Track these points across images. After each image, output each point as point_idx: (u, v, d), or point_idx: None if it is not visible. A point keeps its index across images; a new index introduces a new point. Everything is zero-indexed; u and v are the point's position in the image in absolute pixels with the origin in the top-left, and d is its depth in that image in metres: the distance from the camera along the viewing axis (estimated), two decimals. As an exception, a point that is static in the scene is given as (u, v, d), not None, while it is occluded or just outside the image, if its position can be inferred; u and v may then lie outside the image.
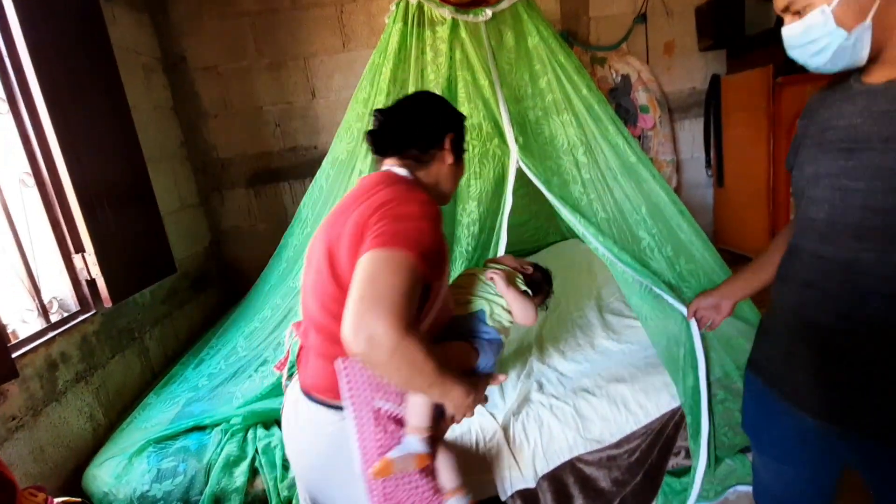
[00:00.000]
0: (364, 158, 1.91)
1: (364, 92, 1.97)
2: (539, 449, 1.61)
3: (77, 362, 1.75)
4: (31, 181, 1.73)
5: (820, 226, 0.93)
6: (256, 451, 1.58)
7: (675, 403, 1.67)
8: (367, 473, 0.99)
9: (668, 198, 1.79)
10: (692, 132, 3.38)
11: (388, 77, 1.89)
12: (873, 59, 0.87)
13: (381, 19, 1.90)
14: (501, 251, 1.82)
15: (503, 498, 1.61)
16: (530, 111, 1.93)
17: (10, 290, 1.65)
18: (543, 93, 1.89)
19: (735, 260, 2.81)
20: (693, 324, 1.58)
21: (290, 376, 1.86)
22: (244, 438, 1.61)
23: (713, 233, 3.41)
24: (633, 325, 2.13)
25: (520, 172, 1.81)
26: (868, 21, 0.82)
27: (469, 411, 1.01)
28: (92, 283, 1.83)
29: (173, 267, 2.29)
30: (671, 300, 1.61)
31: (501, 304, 1.18)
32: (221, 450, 1.56)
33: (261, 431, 1.64)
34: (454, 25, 1.87)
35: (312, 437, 1.07)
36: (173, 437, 1.62)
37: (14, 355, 1.48)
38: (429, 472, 1.06)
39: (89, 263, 1.80)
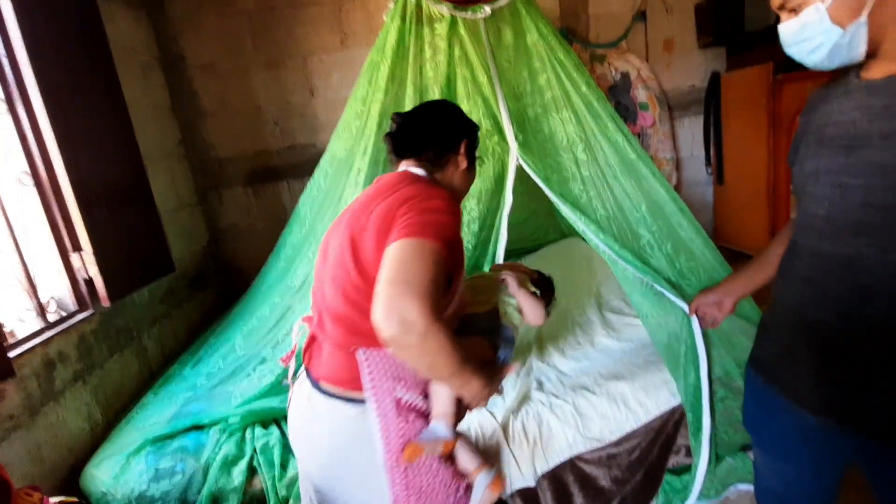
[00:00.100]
0: (362, 156, 1.90)
1: (362, 90, 1.96)
2: (539, 447, 1.61)
3: (75, 362, 1.74)
4: (29, 180, 1.72)
5: (820, 223, 0.93)
6: (255, 450, 1.57)
7: (675, 401, 1.66)
8: (390, 462, 1.01)
9: (667, 195, 1.79)
10: (692, 130, 3.37)
11: (386, 75, 1.88)
12: (872, 54, 0.87)
13: (380, 17, 1.89)
14: (501, 249, 1.82)
15: (503, 497, 1.61)
16: (529, 108, 1.92)
17: (7, 289, 1.64)
18: (543, 90, 1.89)
19: (735, 257, 2.80)
20: (694, 321, 1.58)
21: (294, 373, 1.88)
22: (242, 438, 1.61)
23: (713, 230, 3.41)
24: (632, 322, 2.13)
25: (519, 170, 1.80)
26: (863, 18, 0.83)
27: (484, 401, 1.04)
28: (90, 282, 1.82)
29: (171, 266, 2.29)
30: (672, 297, 1.60)
31: (513, 305, 1.24)
32: (219, 449, 1.56)
33: (259, 431, 1.63)
34: (453, 22, 1.86)
35: (328, 433, 1.07)
36: (171, 436, 1.61)
37: (11, 355, 1.47)
38: (447, 458, 1.11)
39: (87, 263, 1.79)
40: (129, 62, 2.48)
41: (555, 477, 1.62)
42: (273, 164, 3.11)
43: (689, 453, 1.68)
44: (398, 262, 0.88)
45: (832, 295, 0.91)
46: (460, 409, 1.09)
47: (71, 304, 1.83)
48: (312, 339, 1.15)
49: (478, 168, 1.33)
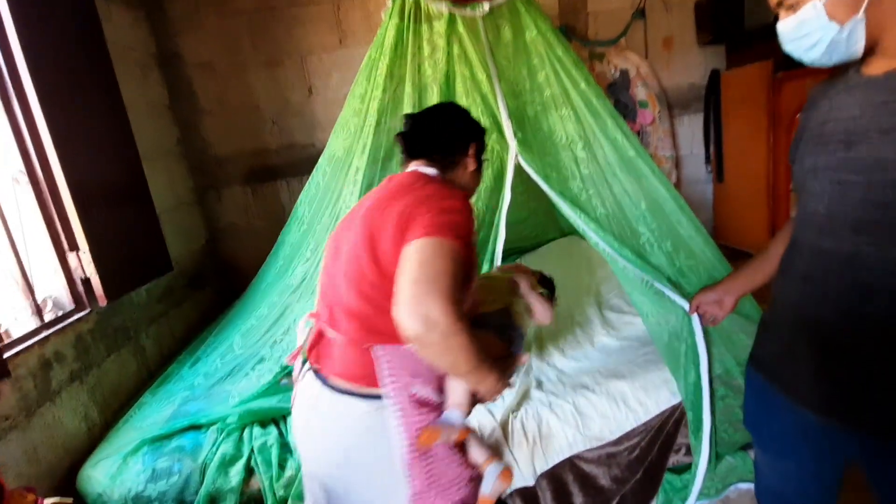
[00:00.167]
0: (361, 155, 1.89)
1: (360, 88, 1.95)
2: (538, 447, 1.60)
3: (72, 361, 1.73)
4: (25, 179, 1.71)
5: (820, 220, 0.92)
6: (252, 450, 1.56)
7: (675, 400, 1.65)
8: (411, 455, 1.03)
9: (667, 193, 1.78)
10: (691, 128, 3.36)
11: (384, 73, 1.88)
12: (871, 50, 0.86)
13: (379, 15, 1.89)
14: (500, 248, 1.81)
15: (502, 496, 1.60)
16: (528, 106, 1.91)
17: (3, 289, 1.63)
18: (542, 87, 1.88)
19: (735, 256, 2.79)
20: (695, 319, 1.57)
21: (288, 374, 1.87)
22: (240, 438, 1.60)
23: (713, 229, 3.40)
24: (632, 321, 2.12)
25: (518, 168, 1.79)
26: (860, 14, 0.82)
27: (497, 395, 1.08)
28: (87, 281, 1.81)
29: (169, 265, 2.28)
30: (673, 295, 1.60)
31: (521, 305, 1.30)
32: (217, 449, 1.55)
33: (257, 430, 1.63)
34: (451, 20, 1.86)
35: (342, 430, 1.06)
36: (168, 436, 1.60)
37: (6, 355, 1.46)
38: (460, 448, 1.13)
39: (84, 262, 1.79)
40: (127, 61, 2.48)
41: (554, 476, 1.61)
42: (272, 163, 3.11)
43: (689, 452, 1.67)
44: (420, 262, 0.90)
45: (832, 292, 0.90)
46: (472, 401, 1.13)
47: (68, 303, 1.82)
48: (320, 337, 1.14)
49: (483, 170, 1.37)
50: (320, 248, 1.92)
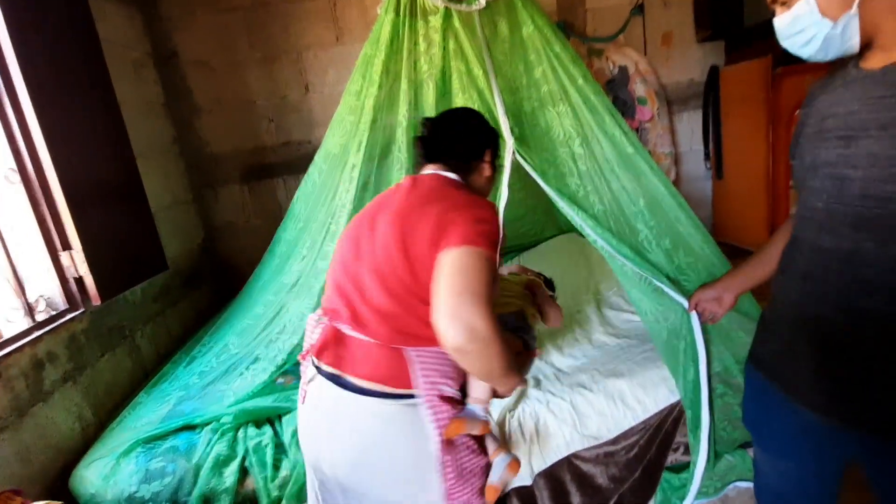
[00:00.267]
0: (357, 152, 1.87)
1: (356, 84, 1.92)
2: (535, 446, 1.59)
3: (65, 361, 1.72)
4: (17, 178, 1.70)
5: (819, 216, 0.92)
6: (247, 450, 1.54)
7: (673, 398, 1.64)
8: (443, 449, 1.06)
9: (666, 190, 1.76)
10: (691, 124, 3.34)
11: (380, 69, 1.85)
12: (869, 45, 0.85)
13: (376, 11, 1.86)
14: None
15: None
16: (525, 102, 1.89)
17: (-5, 288, 1.62)
18: (539, 83, 1.85)
19: (734, 253, 2.77)
20: (694, 317, 1.55)
21: (283, 373, 1.86)
22: (234, 438, 1.58)
23: (712, 226, 3.38)
24: (631, 319, 2.10)
25: (515, 165, 1.77)
26: (854, 9, 0.82)
27: (513, 391, 1.15)
28: (80, 280, 1.79)
29: (164, 264, 2.27)
30: (671, 293, 1.58)
31: (532, 307, 1.39)
32: (211, 449, 1.53)
33: (251, 430, 1.61)
34: (447, 15, 1.83)
35: (370, 430, 1.06)
36: (163, 436, 1.59)
37: (-3, 355, 1.45)
38: (479, 440, 1.20)
39: (77, 261, 1.77)
40: (121, 59, 2.46)
41: (552, 475, 1.60)
42: (268, 160, 3.09)
43: (687, 451, 1.66)
44: (460, 271, 0.93)
45: (832, 290, 0.89)
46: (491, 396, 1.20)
47: (61, 303, 1.80)
48: (335, 337, 1.11)
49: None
50: (316, 247, 1.90)
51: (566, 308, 2.27)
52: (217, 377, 1.85)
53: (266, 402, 1.71)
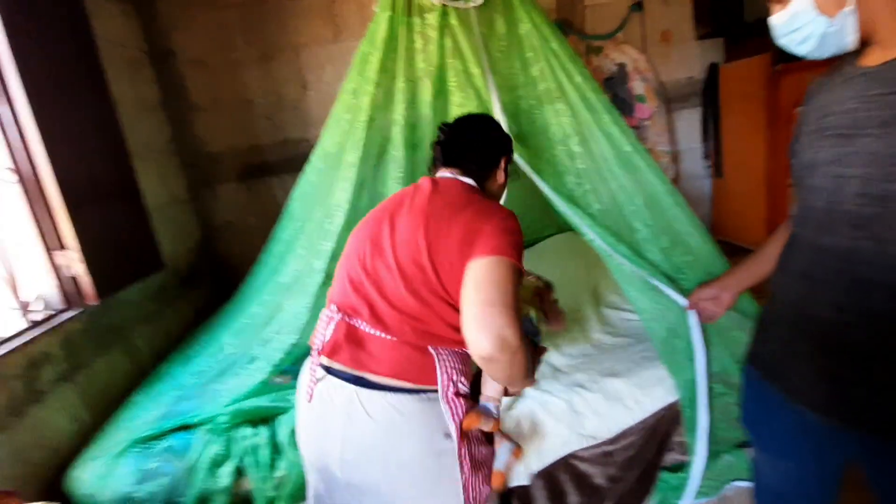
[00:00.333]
0: (353, 150, 1.86)
1: (353, 82, 1.91)
2: (532, 446, 1.58)
3: (61, 361, 1.71)
4: (12, 177, 1.69)
5: (818, 215, 0.91)
6: (243, 450, 1.53)
7: (670, 398, 1.63)
8: (460, 441, 1.08)
9: (664, 188, 1.75)
10: (690, 122, 3.32)
11: (376, 67, 1.84)
12: (868, 41, 0.85)
13: (373, 8, 1.85)
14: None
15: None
16: (523, 100, 1.88)
17: (-10, 288, 1.61)
18: (536, 81, 1.84)
19: (734, 251, 2.77)
20: (692, 316, 1.55)
21: (280, 372, 1.84)
22: (230, 438, 1.57)
23: (711, 224, 3.37)
24: (629, 318, 2.10)
25: (512, 164, 1.76)
26: (851, 6, 0.82)
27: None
28: (75, 280, 1.79)
29: (161, 263, 2.26)
30: (670, 292, 1.58)
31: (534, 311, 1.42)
32: (206, 450, 1.52)
33: (247, 431, 1.60)
34: (444, 12, 1.82)
35: (390, 423, 1.05)
36: (158, 436, 1.58)
37: (-8, 355, 1.44)
38: (487, 434, 1.24)
39: (72, 260, 1.76)
40: (117, 57, 2.44)
41: (549, 475, 1.59)
42: (266, 159, 3.07)
43: (685, 451, 1.65)
44: (491, 282, 0.96)
45: (831, 289, 0.89)
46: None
47: (57, 302, 1.80)
48: (349, 334, 1.10)
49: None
50: (312, 246, 1.89)
51: (564, 307, 2.26)
52: (213, 377, 1.84)
53: (262, 401, 1.70)
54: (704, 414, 1.56)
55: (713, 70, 3.15)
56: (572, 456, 1.60)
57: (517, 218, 1.10)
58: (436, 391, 1.08)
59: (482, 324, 0.91)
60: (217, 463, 1.49)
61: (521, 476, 1.57)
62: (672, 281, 1.63)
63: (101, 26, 2.23)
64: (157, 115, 2.82)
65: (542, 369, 1.83)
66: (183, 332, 2.53)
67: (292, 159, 3.04)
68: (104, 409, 1.86)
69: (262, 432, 1.60)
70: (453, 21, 1.82)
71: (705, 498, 1.63)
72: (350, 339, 1.10)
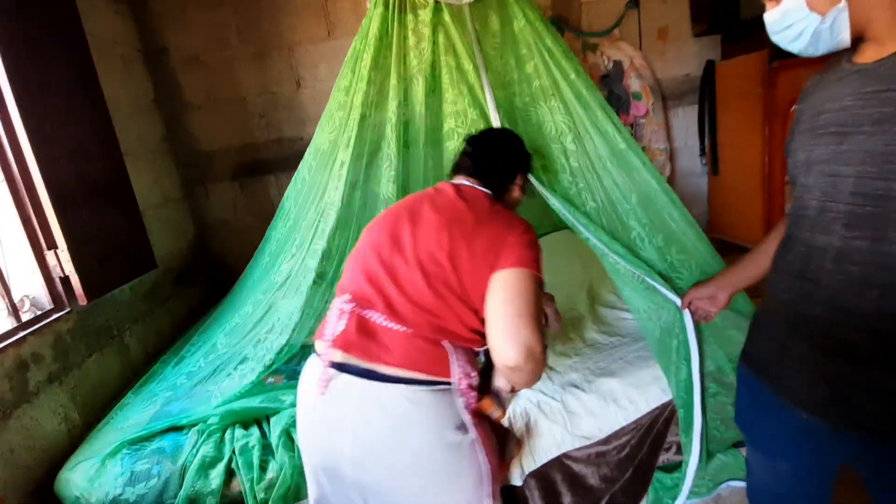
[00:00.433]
0: (346, 148, 1.85)
1: (345, 80, 1.90)
2: (526, 446, 1.57)
3: (50, 362, 1.69)
4: (0, 176, 1.67)
5: (812, 214, 0.91)
6: (234, 451, 1.52)
7: (665, 398, 1.62)
8: (475, 427, 1.12)
9: (659, 186, 1.73)
10: (686, 120, 3.31)
11: (369, 64, 1.82)
12: (862, 38, 0.84)
13: (366, 5, 1.84)
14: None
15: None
16: (517, 97, 1.86)
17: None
18: (530, 78, 1.82)
19: (730, 249, 2.77)
20: (687, 315, 1.54)
21: (274, 371, 1.83)
22: (221, 439, 1.56)
23: (708, 222, 3.36)
24: (624, 317, 2.09)
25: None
26: (842, 3, 0.81)
27: None
28: (66, 280, 1.77)
29: (153, 263, 2.24)
30: (664, 291, 1.56)
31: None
32: (197, 451, 1.51)
33: (238, 432, 1.59)
34: (437, 9, 1.80)
35: (405, 414, 1.06)
36: (149, 438, 1.57)
37: (-21, 356, 1.43)
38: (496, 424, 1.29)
39: (62, 260, 1.75)
40: (109, 55, 2.43)
41: (542, 476, 1.58)
42: (260, 157, 3.06)
43: (679, 450, 1.64)
44: (518, 294, 1.01)
45: (825, 288, 0.88)
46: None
47: (46, 302, 1.78)
48: (361, 326, 1.10)
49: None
50: (305, 245, 1.88)
51: (559, 306, 2.25)
52: (205, 377, 1.82)
53: (253, 402, 1.69)
54: (699, 413, 1.55)
55: (710, 67, 3.13)
56: (566, 456, 1.59)
57: (535, 231, 1.15)
58: (448, 384, 1.09)
59: (510, 334, 0.96)
60: (208, 464, 1.48)
61: (514, 476, 1.56)
62: (667, 280, 1.62)
63: (94, 24, 2.21)
64: (151, 114, 2.80)
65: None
66: (176, 332, 2.52)
67: (286, 157, 3.03)
68: (95, 410, 1.85)
69: (254, 433, 1.59)
70: (447, 18, 1.80)
71: (699, 498, 1.62)
72: (362, 331, 1.10)
